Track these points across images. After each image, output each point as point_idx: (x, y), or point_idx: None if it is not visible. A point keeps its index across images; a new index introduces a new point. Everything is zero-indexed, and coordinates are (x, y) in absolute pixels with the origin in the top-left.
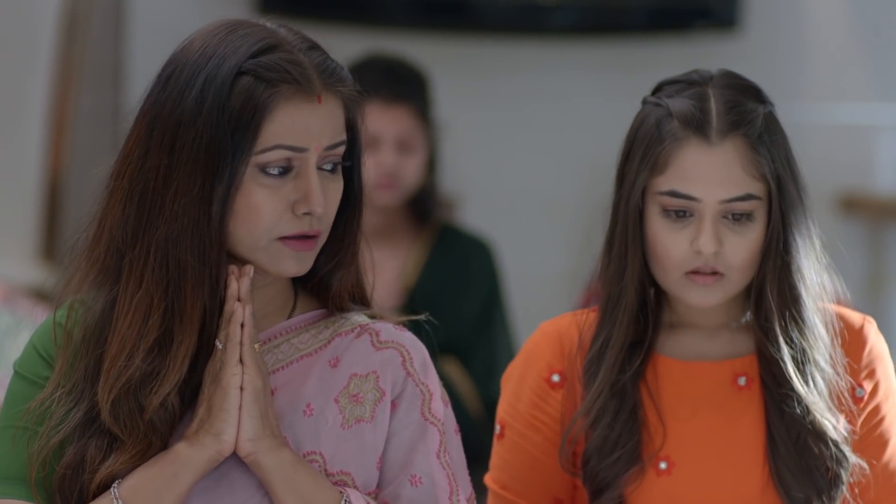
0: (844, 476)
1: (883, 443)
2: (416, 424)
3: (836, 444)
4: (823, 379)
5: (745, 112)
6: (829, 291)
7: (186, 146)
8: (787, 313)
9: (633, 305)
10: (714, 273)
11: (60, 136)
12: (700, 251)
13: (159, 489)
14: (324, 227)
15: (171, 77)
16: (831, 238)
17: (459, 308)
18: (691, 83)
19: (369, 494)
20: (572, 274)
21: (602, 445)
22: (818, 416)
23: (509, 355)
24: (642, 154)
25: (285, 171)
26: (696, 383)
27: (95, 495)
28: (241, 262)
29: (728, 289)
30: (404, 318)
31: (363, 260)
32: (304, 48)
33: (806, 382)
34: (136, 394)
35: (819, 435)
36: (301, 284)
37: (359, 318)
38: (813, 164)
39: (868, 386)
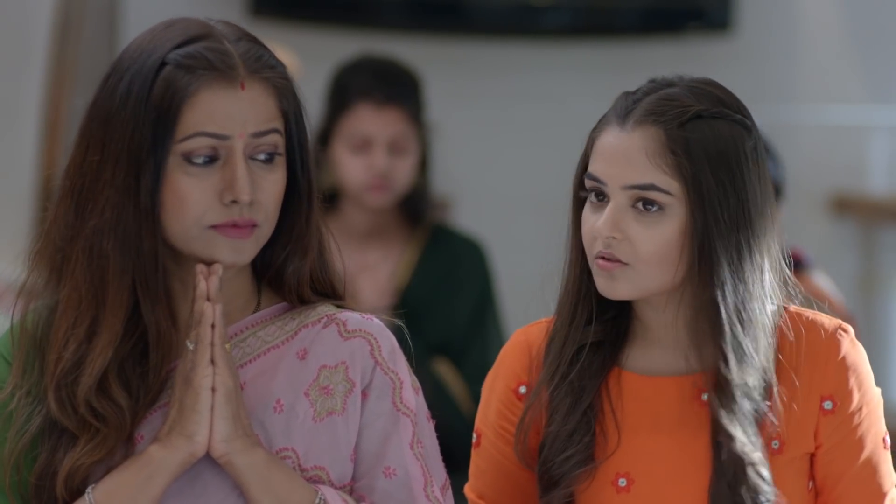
0: (765, 501)
1: (857, 450)
2: (387, 415)
3: (752, 469)
4: (749, 400)
5: (670, 107)
6: (774, 313)
7: (115, 139)
8: (709, 324)
9: (576, 295)
10: (616, 261)
11: (54, 137)
12: (596, 234)
13: (133, 493)
14: (260, 217)
15: (110, 76)
16: (824, 239)
17: (452, 308)
18: (659, 81)
19: (344, 487)
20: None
21: (554, 441)
22: (737, 443)
23: None
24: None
25: (212, 160)
26: (659, 399)
27: (66, 497)
28: (186, 256)
29: (636, 281)
30: (384, 318)
31: (330, 252)
32: (234, 38)
33: (725, 405)
34: (68, 384)
35: (738, 461)
36: (263, 279)
37: (324, 308)
38: (805, 165)
39: (838, 398)
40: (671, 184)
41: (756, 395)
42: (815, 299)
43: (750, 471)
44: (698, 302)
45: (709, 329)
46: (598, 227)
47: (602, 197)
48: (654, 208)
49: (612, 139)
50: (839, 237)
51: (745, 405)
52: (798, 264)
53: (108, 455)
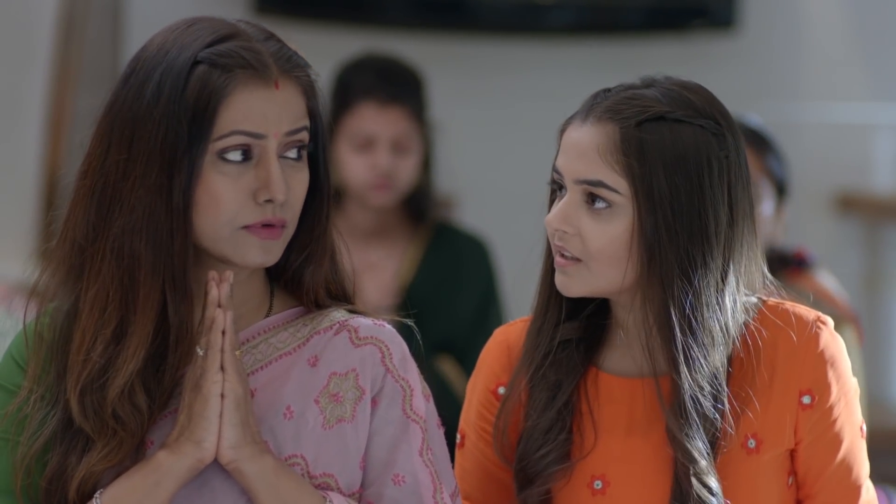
0: None
1: (836, 444)
2: (397, 422)
3: (700, 479)
4: (697, 406)
5: (630, 105)
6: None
7: (144, 138)
8: (658, 326)
9: (547, 290)
10: (571, 259)
11: (58, 136)
12: (547, 227)
13: (141, 498)
14: (289, 216)
15: (132, 75)
16: (828, 237)
17: (455, 306)
18: (642, 80)
19: (353, 495)
20: None
21: (530, 437)
22: (686, 445)
23: None
24: None
25: (245, 159)
26: (634, 400)
27: (77, 501)
28: (208, 255)
29: (588, 278)
30: (388, 317)
31: (341, 254)
32: (262, 38)
33: (676, 409)
34: (97, 387)
35: (688, 465)
36: (276, 282)
37: (337, 314)
38: (810, 164)
39: (817, 392)
40: (620, 183)
41: (706, 403)
42: (818, 298)
43: (694, 480)
44: (650, 306)
45: (658, 334)
46: (548, 219)
47: (564, 190)
48: (604, 205)
49: (573, 133)
50: (844, 235)
51: (693, 413)
52: (802, 263)
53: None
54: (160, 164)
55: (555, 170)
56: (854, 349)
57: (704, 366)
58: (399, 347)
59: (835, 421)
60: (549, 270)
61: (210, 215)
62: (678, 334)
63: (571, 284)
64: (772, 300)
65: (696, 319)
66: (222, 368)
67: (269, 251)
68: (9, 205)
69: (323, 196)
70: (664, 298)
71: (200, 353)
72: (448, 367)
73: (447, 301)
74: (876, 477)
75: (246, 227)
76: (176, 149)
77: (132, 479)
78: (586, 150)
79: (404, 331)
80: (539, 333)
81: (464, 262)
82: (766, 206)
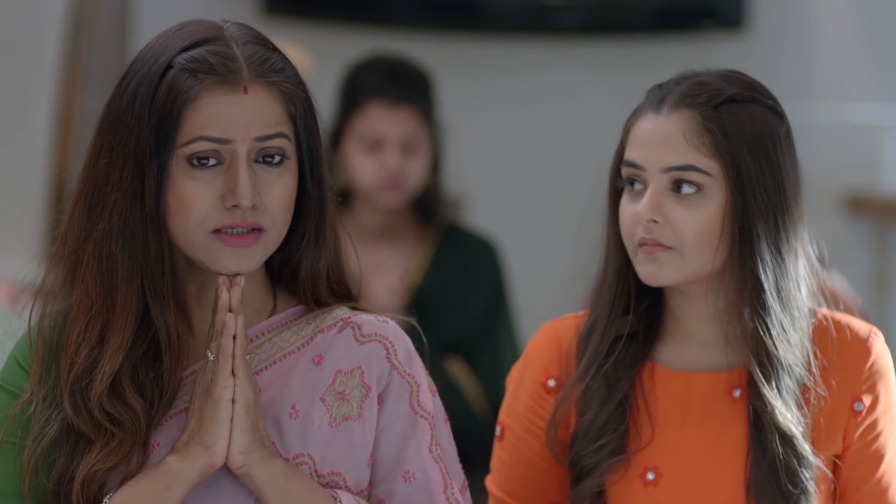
0: (809, 476)
1: (878, 458)
2: (405, 418)
3: (796, 442)
4: (791, 376)
5: (703, 90)
6: (818, 296)
7: (121, 143)
8: (751, 302)
9: (615, 287)
10: (659, 245)
11: (66, 136)
12: (637, 220)
13: (151, 502)
14: (267, 221)
15: (123, 79)
16: (838, 238)
17: (464, 308)
18: (688, 73)
19: (361, 493)
20: (578, 274)
21: (588, 430)
22: (779, 415)
23: (514, 355)
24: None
25: (216, 163)
26: (690, 394)
27: (81, 502)
28: (189, 259)
29: (680, 266)
30: (396, 317)
31: (345, 254)
32: (241, 41)
33: (769, 380)
34: (80, 388)
35: (783, 435)
36: (277, 282)
37: (341, 311)
38: (819, 164)
39: (867, 400)
40: (710, 164)
41: (796, 371)
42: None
43: (788, 446)
44: (739, 282)
45: (750, 308)
46: (640, 210)
47: (639, 185)
48: (693, 190)
49: (648, 125)
50: (853, 236)
51: (787, 381)
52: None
53: (125, 461)
54: (133, 169)
55: (630, 164)
56: None
57: (793, 334)
58: (403, 343)
59: (880, 434)
60: (616, 269)
61: (180, 219)
62: (771, 303)
63: (662, 272)
64: (824, 310)
65: (783, 289)
66: (233, 373)
67: (242, 258)
68: (16, 205)
69: (311, 199)
70: (756, 269)
71: (211, 357)
72: (456, 368)
73: (456, 302)
74: None
75: (216, 233)
76: (145, 153)
77: (142, 484)
78: (670, 137)
79: (411, 331)
80: (604, 333)
81: (473, 264)
82: None
